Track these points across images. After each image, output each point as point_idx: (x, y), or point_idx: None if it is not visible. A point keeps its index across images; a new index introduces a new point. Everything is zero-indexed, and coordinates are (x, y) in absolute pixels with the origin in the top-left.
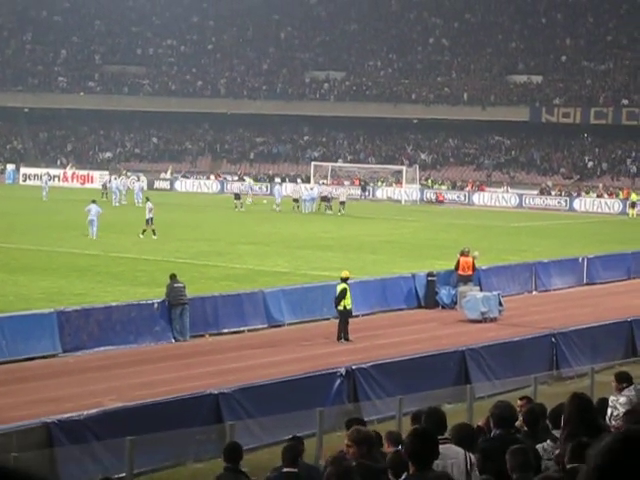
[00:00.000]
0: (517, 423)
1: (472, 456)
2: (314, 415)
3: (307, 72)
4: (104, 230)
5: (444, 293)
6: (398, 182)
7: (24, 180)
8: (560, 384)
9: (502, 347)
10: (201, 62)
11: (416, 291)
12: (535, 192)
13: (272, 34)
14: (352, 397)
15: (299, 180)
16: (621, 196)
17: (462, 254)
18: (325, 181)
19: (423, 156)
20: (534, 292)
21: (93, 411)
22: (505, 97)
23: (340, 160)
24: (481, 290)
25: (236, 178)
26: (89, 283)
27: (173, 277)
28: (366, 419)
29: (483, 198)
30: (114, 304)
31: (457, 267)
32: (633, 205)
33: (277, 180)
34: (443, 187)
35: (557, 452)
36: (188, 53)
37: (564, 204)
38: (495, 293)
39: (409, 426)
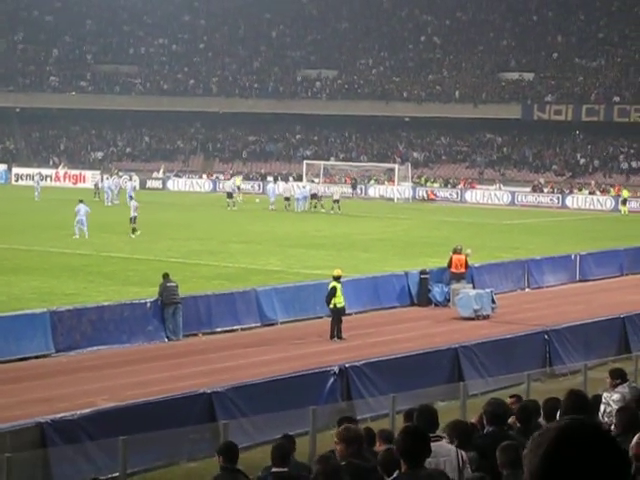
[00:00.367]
0: (510, 420)
1: (464, 453)
2: (307, 413)
3: (299, 70)
4: (96, 230)
5: (437, 291)
6: (390, 180)
7: (16, 180)
8: (553, 381)
9: (495, 344)
10: (193, 61)
11: (409, 289)
12: (527, 189)
13: (264, 33)
14: (345, 395)
15: (291, 179)
16: (613, 193)
17: (455, 252)
18: (317, 179)
19: (415, 154)
20: (527, 289)
21: (86, 411)
22: (497, 94)
23: (332, 158)
24: (474, 288)
25: (222, 177)
26: (81, 283)
27: (166, 276)
28: (359, 417)
29: (475, 196)
30: (107, 304)
31: (450, 265)
32: (625, 202)
33: (269, 179)
34: (435, 185)
35: None
36: (180, 52)
37: (556, 201)
38: (488, 290)
39: (402, 424)
